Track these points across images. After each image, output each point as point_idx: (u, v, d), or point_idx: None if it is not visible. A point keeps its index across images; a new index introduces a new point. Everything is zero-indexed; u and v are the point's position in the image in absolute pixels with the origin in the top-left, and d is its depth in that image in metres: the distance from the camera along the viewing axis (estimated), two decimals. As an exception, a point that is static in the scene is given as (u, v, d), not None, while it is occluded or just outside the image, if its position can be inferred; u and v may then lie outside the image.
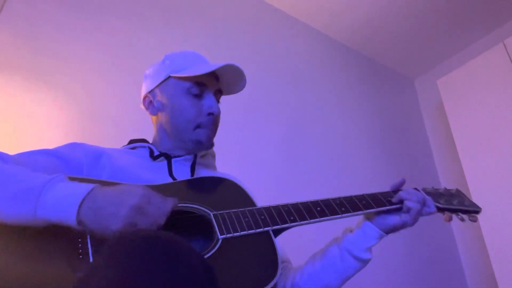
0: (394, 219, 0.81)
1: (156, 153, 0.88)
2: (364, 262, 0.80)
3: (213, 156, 1.00)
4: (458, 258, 2.53)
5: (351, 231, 0.84)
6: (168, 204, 0.60)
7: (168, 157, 0.87)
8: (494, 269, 1.95)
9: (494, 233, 1.98)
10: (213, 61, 0.92)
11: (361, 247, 0.80)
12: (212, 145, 0.92)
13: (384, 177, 2.37)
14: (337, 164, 2.15)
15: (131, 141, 0.96)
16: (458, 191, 0.98)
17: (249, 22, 2.16)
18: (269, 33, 2.24)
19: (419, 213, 0.82)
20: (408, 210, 0.81)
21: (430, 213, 0.85)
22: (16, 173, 0.61)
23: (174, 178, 0.82)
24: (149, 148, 0.90)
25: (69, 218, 0.54)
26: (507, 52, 2.14)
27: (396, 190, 0.89)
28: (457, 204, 0.90)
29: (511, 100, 2.08)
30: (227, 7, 2.08)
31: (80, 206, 0.55)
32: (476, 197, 2.09)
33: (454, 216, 0.89)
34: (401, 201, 0.83)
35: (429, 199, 0.85)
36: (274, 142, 1.93)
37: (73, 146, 0.81)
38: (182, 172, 0.86)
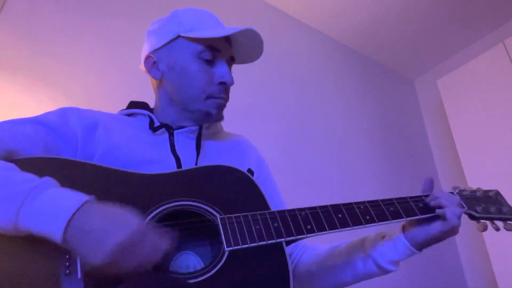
0: (433, 235, 0.71)
1: (156, 123, 0.78)
2: (387, 272, 0.75)
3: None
4: (458, 258, 2.52)
5: (382, 237, 0.76)
6: (164, 245, 0.52)
7: (170, 129, 0.78)
8: (494, 269, 1.95)
9: (494, 233, 1.97)
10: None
11: (388, 259, 0.73)
12: (222, 117, 0.81)
13: (384, 177, 2.37)
14: (337, 164, 2.15)
15: (131, 104, 0.87)
16: (496, 193, 0.85)
17: (249, 22, 2.16)
18: (269, 33, 2.23)
19: (459, 217, 0.72)
20: (445, 218, 0.70)
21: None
22: None
23: (176, 155, 0.74)
24: (149, 117, 0.80)
25: (54, 234, 0.47)
26: (507, 52, 2.14)
27: (427, 194, 0.78)
28: (495, 212, 0.78)
29: (511, 100, 2.08)
30: (227, 7, 2.08)
31: (68, 222, 0.47)
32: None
33: (489, 224, 0.79)
34: (434, 208, 0.73)
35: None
36: (273, 142, 1.92)
37: (66, 114, 0.71)
38: (185, 146, 0.77)
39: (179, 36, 0.77)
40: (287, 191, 1.81)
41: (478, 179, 2.13)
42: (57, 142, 0.66)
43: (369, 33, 2.61)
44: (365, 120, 2.52)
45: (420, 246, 0.73)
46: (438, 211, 0.72)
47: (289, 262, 0.64)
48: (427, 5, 2.41)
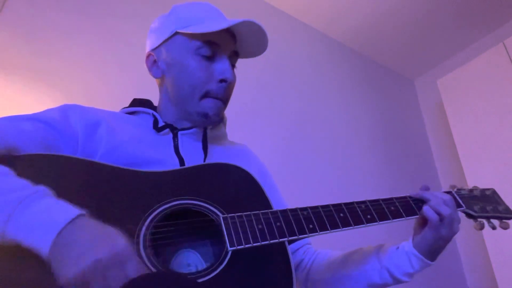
0: (428, 237, 0.71)
1: (161, 123, 0.76)
2: (400, 282, 0.74)
3: (225, 123, 0.87)
4: (458, 258, 2.52)
5: (397, 248, 0.75)
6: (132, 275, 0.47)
7: (174, 130, 0.76)
8: (494, 269, 1.95)
9: (494, 233, 1.98)
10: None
11: (403, 271, 0.73)
12: (221, 119, 0.79)
13: (384, 177, 2.37)
14: (336, 163, 2.15)
15: (134, 101, 0.85)
16: (493, 192, 0.86)
17: (249, 22, 2.16)
18: (269, 33, 2.23)
19: (453, 218, 0.71)
20: (441, 219, 0.70)
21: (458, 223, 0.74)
22: None
23: (180, 157, 0.72)
24: (153, 116, 0.78)
25: (41, 248, 0.45)
26: (507, 52, 2.14)
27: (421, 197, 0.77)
28: (492, 211, 0.80)
29: (511, 100, 2.08)
30: (227, 7, 2.08)
31: (57, 237, 0.45)
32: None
33: (485, 223, 0.80)
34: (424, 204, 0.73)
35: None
36: (273, 142, 1.92)
37: (67, 111, 0.70)
38: (190, 149, 0.75)
39: (177, 33, 0.75)
40: (288, 191, 1.81)
41: (478, 179, 2.12)
42: (57, 140, 0.64)
43: (369, 33, 2.61)
44: (365, 120, 2.52)
45: (429, 254, 0.73)
46: (423, 209, 0.72)
47: (292, 261, 0.64)
48: (427, 5, 2.41)
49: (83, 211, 0.49)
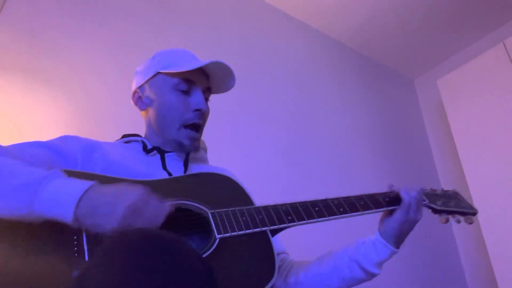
0: (397, 220, 0.81)
1: (149, 146, 0.88)
2: (372, 275, 0.80)
3: (205, 150, 1.00)
4: (458, 258, 2.53)
5: (363, 241, 0.83)
6: (166, 207, 0.60)
7: (161, 152, 0.86)
8: (494, 269, 1.95)
9: (494, 233, 1.98)
10: (210, 59, 0.90)
11: (371, 261, 0.79)
12: (196, 148, 0.90)
13: (384, 177, 2.37)
14: (336, 163, 2.15)
15: (124, 136, 0.96)
16: (455, 192, 0.97)
17: (248, 22, 2.16)
18: (269, 33, 2.24)
19: (420, 202, 0.82)
20: (409, 205, 0.81)
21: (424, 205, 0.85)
22: (13, 167, 0.60)
23: (168, 172, 0.82)
24: (142, 142, 0.89)
25: (66, 215, 0.54)
26: (507, 52, 2.14)
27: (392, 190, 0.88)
28: (454, 206, 0.90)
29: (511, 100, 2.08)
30: (226, 7, 2.08)
31: (77, 204, 0.54)
32: (476, 197, 2.09)
33: (450, 217, 0.89)
34: (397, 198, 0.83)
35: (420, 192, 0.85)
36: (273, 142, 1.93)
37: (66, 139, 0.80)
38: (175, 167, 0.85)
39: (158, 73, 0.88)
40: (286, 190, 1.82)
41: (478, 179, 2.13)
42: (60, 162, 0.73)
43: (369, 32, 2.61)
44: (364, 119, 2.52)
45: (394, 239, 0.81)
46: (400, 189, 0.83)
47: (274, 249, 0.70)
48: (427, 5, 2.41)
49: (94, 182, 0.59)
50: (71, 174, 0.64)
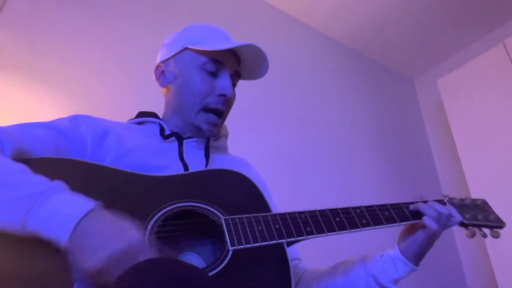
0: (420, 242, 0.74)
1: (167, 131, 0.81)
2: None
3: (226, 136, 0.92)
4: (458, 258, 2.53)
5: (381, 255, 0.78)
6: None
7: (180, 138, 0.80)
8: (494, 269, 1.95)
9: (494, 233, 1.98)
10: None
11: (389, 277, 0.74)
12: (215, 134, 0.83)
13: (384, 176, 2.37)
14: (336, 163, 2.15)
15: (140, 113, 0.89)
16: (484, 203, 0.90)
17: (248, 22, 2.16)
18: (269, 33, 2.23)
19: (443, 226, 0.75)
20: (425, 226, 0.74)
21: (454, 224, 0.78)
22: (10, 174, 0.53)
23: (184, 163, 0.76)
24: (160, 124, 0.82)
25: (60, 239, 0.48)
26: (507, 52, 2.14)
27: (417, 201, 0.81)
28: (483, 220, 0.82)
29: (511, 100, 2.08)
30: (227, 7, 2.08)
31: (75, 228, 0.48)
32: (476, 197, 2.08)
33: (477, 230, 0.82)
34: (417, 214, 0.76)
35: (453, 209, 0.79)
36: (274, 143, 1.92)
37: (77, 120, 0.73)
38: (194, 156, 0.79)
39: (186, 48, 0.81)
40: (288, 192, 1.82)
41: (478, 179, 2.13)
42: (67, 146, 0.68)
43: (369, 33, 2.61)
44: (365, 120, 2.52)
45: (415, 258, 0.75)
46: (424, 218, 0.75)
47: (290, 261, 0.65)
48: (427, 6, 2.41)
49: (98, 203, 0.52)
50: (78, 165, 0.61)
